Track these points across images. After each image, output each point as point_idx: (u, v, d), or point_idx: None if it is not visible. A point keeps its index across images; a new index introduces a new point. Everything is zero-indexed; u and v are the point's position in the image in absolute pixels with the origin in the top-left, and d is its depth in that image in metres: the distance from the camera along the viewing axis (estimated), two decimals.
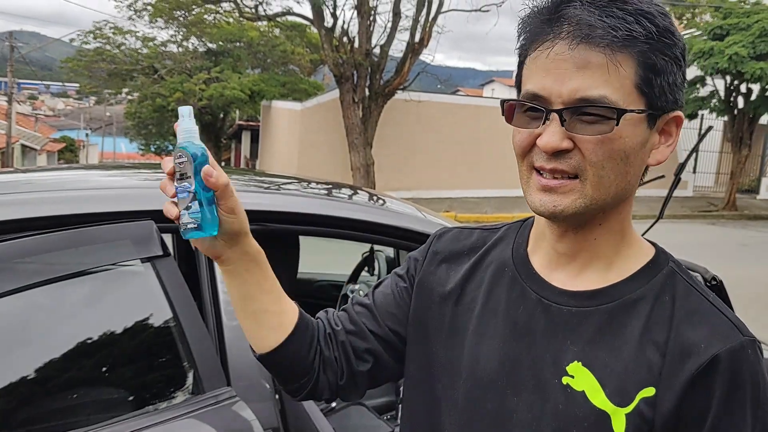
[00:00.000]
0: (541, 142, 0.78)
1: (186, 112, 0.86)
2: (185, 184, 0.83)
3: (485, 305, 0.91)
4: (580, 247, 0.85)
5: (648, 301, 0.82)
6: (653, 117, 0.79)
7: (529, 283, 0.88)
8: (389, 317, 0.99)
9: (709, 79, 14.94)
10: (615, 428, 0.78)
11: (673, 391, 0.76)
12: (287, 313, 0.95)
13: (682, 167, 2.26)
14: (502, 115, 0.86)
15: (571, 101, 0.76)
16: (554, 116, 0.77)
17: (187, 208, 0.84)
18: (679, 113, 0.81)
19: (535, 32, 0.79)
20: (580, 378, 0.80)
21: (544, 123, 0.78)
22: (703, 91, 15.49)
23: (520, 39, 0.83)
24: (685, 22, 16.77)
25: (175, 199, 0.85)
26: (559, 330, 0.83)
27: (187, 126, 0.85)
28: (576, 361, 0.81)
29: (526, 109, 0.80)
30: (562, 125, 0.76)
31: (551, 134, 0.77)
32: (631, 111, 0.76)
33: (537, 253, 0.91)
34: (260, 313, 0.94)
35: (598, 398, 0.79)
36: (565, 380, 0.81)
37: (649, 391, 0.77)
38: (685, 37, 15.07)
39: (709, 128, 2.05)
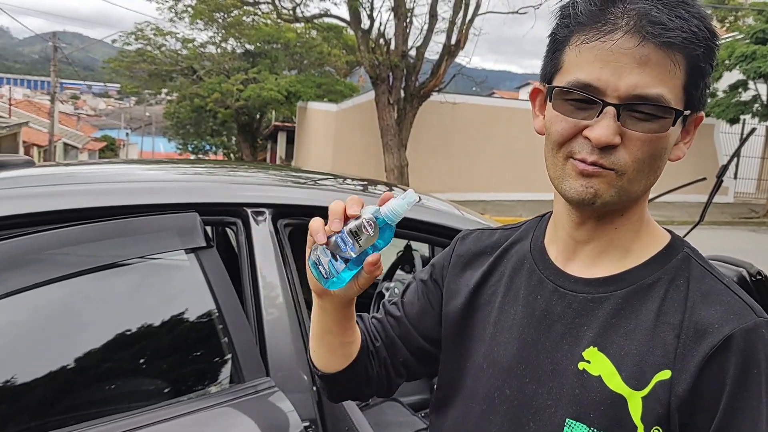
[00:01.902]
0: (593, 135, 0.77)
1: (411, 199, 0.80)
2: (351, 242, 0.80)
3: (505, 296, 0.93)
4: (599, 235, 0.86)
5: (662, 285, 0.82)
6: (686, 117, 0.81)
7: (546, 273, 0.90)
8: (421, 325, 1.02)
9: (751, 84, 14.58)
10: (631, 411, 0.78)
11: (688, 372, 0.76)
12: (356, 342, 0.99)
13: (724, 170, 2.22)
14: (537, 101, 0.87)
15: (628, 97, 0.75)
16: (610, 110, 0.76)
17: (334, 256, 0.81)
18: (702, 114, 0.83)
19: (588, 18, 0.78)
20: (596, 363, 0.81)
21: (598, 115, 0.77)
22: (746, 96, 15.13)
23: (564, 21, 0.81)
24: (728, 25, 16.39)
25: (329, 234, 0.82)
26: (575, 316, 0.85)
27: (399, 210, 0.80)
28: (592, 347, 0.82)
29: (573, 98, 0.78)
30: (617, 119, 0.76)
31: (605, 128, 0.76)
32: (683, 112, 0.78)
33: (553, 243, 0.92)
34: (336, 345, 0.98)
35: (614, 382, 0.79)
36: (581, 365, 0.82)
37: (665, 374, 0.77)
38: (728, 40, 14.81)
39: (753, 130, 2.01)
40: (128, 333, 1.51)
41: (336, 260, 0.81)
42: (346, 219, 0.82)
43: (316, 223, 0.83)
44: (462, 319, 0.96)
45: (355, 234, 0.80)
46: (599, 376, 0.80)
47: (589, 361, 0.81)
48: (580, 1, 0.79)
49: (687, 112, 0.80)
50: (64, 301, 1.48)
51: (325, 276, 0.82)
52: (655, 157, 0.79)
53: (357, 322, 1.01)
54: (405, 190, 0.84)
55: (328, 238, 0.81)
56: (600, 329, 0.82)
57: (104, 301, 1.56)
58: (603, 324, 0.82)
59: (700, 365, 0.76)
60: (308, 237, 0.84)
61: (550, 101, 0.82)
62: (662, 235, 0.88)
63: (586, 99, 0.77)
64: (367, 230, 0.80)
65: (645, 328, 0.80)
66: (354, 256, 0.81)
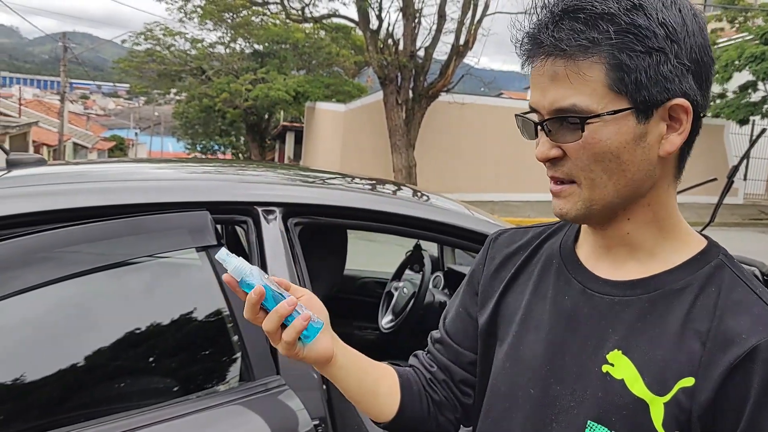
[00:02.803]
0: (535, 153, 0.84)
1: (221, 257, 0.89)
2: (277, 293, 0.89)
3: (533, 295, 0.93)
4: (615, 241, 0.87)
5: (692, 291, 0.81)
6: (642, 111, 0.78)
7: (573, 274, 0.90)
8: (466, 340, 1.02)
9: (761, 84, 14.50)
10: (653, 417, 0.78)
11: (712, 380, 0.76)
12: (388, 375, 1.01)
13: (735, 170, 2.20)
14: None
15: (551, 112, 0.80)
16: (540, 128, 0.82)
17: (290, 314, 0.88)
18: (680, 101, 0.78)
19: (526, 49, 0.83)
20: (620, 366, 0.81)
21: (536, 134, 0.84)
22: (755, 96, 15.05)
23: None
24: (737, 25, 16.29)
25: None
26: (601, 318, 0.84)
27: (239, 267, 0.88)
28: (616, 350, 0.82)
29: (525, 121, 0.86)
30: (548, 135, 0.81)
31: (541, 144, 0.83)
32: (598, 115, 0.77)
33: (584, 244, 0.92)
34: (370, 385, 0.99)
35: (637, 386, 0.79)
36: (605, 368, 0.82)
37: (688, 381, 0.77)
38: (738, 41, 14.72)
39: (763, 131, 2.00)
40: (139, 331, 1.52)
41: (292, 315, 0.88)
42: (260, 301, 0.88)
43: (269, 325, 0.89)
44: (492, 318, 0.97)
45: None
46: (622, 379, 0.80)
47: (612, 364, 0.81)
48: (526, 38, 0.83)
49: (623, 110, 0.77)
50: (75, 298, 1.49)
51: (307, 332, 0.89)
52: (602, 161, 0.79)
53: (411, 362, 1.07)
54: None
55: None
56: (625, 332, 0.82)
57: (115, 299, 1.56)
58: (628, 327, 0.82)
59: (724, 375, 0.75)
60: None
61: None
62: (696, 241, 0.87)
63: (527, 120, 0.85)
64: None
65: (671, 334, 0.79)
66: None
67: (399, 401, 0.99)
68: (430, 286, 2.80)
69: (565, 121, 0.79)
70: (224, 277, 0.88)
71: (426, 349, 1.08)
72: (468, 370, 1.02)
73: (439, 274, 3.01)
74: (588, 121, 0.77)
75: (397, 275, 3.06)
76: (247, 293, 0.87)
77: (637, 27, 0.76)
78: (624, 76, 0.76)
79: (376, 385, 0.98)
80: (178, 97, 28.02)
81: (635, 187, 0.81)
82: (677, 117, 0.80)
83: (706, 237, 0.89)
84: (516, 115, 0.87)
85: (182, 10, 20.43)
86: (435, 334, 1.08)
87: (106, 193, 1.58)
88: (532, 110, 0.84)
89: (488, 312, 0.98)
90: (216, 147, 31.03)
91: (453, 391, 1.03)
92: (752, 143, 2.15)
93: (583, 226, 0.93)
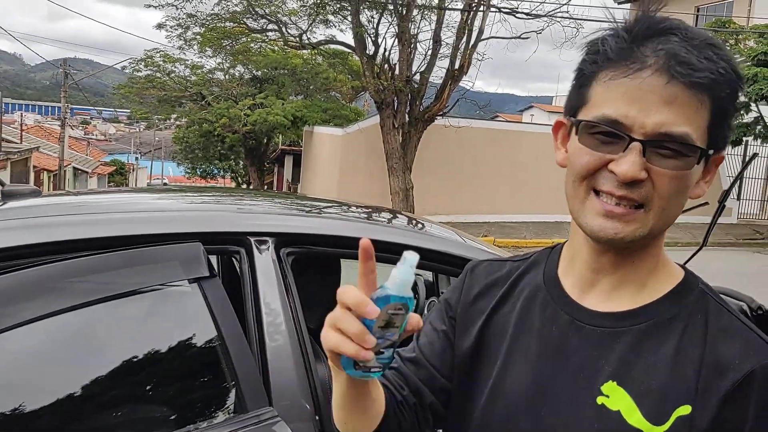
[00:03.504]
0: (619, 170, 0.78)
1: (411, 261, 0.75)
2: (390, 332, 0.75)
3: (518, 327, 0.92)
4: (616, 268, 0.87)
5: (681, 321, 0.83)
6: (708, 156, 0.81)
7: (560, 305, 0.90)
8: (441, 365, 0.98)
9: (753, 105, 14.60)
10: None
11: (709, 407, 0.76)
12: (382, 396, 0.92)
13: (726, 194, 2.22)
14: (560, 134, 0.88)
15: (654, 134, 0.77)
16: (636, 145, 0.77)
17: (379, 353, 0.76)
18: (723, 154, 0.84)
19: (618, 56, 0.79)
20: (616, 397, 0.81)
21: (624, 150, 0.78)
22: (748, 118, 15.15)
23: (592, 57, 0.82)
24: (729, 48, 16.46)
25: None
26: (593, 350, 0.84)
27: (407, 277, 0.75)
28: (611, 381, 0.82)
29: (599, 131, 0.80)
30: (643, 155, 0.77)
31: (631, 163, 0.77)
32: (708, 151, 0.79)
33: (568, 275, 0.92)
34: (368, 405, 0.89)
35: (634, 417, 0.79)
36: (600, 400, 0.81)
37: (686, 409, 0.77)
38: None
39: (754, 155, 2.02)
40: (131, 363, 1.52)
41: (384, 353, 0.76)
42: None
43: (346, 345, 0.73)
44: (473, 350, 0.95)
45: (387, 326, 0.75)
46: (618, 411, 0.80)
47: (608, 396, 0.81)
48: (610, 38, 0.81)
49: (711, 152, 0.80)
50: (67, 331, 1.49)
51: (380, 369, 0.77)
52: (680, 194, 0.80)
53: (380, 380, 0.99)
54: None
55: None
56: (619, 363, 0.82)
57: (108, 332, 1.57)
58: (622, 358, 0.82)
59: (721, 401, 0.76)
60: (332, 353, 0.75)
61: (576, 134, 0.83)
62: (676, 270, 0.88)
63: (612, 133, 0.78)
64: (397, 315, 0.74)
65: (665, 363, 0.80)
66: (397, 338, 0.76)
67: (379, 421, 0.91)
68: (425, 311, 2.80)
69: (666, 148, 0.77)
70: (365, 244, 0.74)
71: (394, 367, 0.99)
72: (438, 396, 0.97)
73: (434, 299, 3.01)
74: (708, 155, 0.79)
75: None
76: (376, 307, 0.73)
77: (741, 80, 0.80)
78: (723, 122, 0.80)
79: (373, 405, 0.90)
80: (178, 122, 28.13)
81: (672, 222, 0.84)
82: (709, 167, 0.84)
83: (681, 265, 0.91)
84: (591, 123, 0.80)
85: (182, 38, 20.61)
86: (406, 353, 1.01)
87: (99, 225, 1.60)
88: (612, 123, 0.78)
89: (469, 342, 0.96)
90: (215, 171, 31.09)
91: (419, 417, 0.97)
92: (743, 167, 2.17)
93: (568, 254, 0.92)
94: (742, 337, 0.80)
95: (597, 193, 0.81)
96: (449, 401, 0.98)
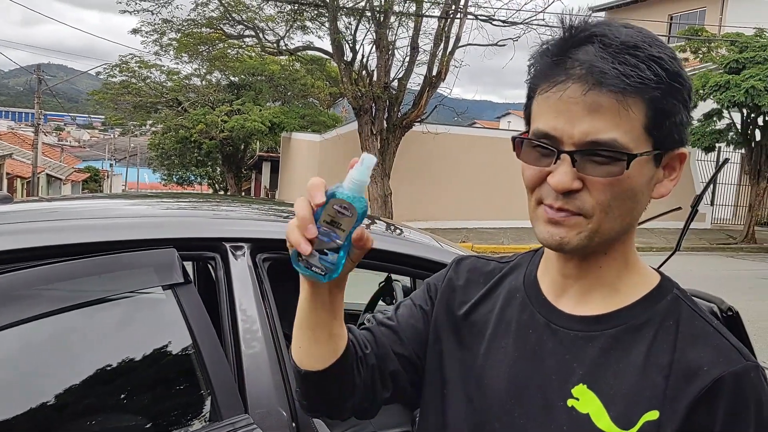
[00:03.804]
0: (552, 181, 0.79)
1: (369, 162, 0.78)
2: (334, 233, 0.77)
3: (496, 328, 0.93)
4: (585, 273, 0.87)
5: (652, 326, 0.83)
6: (659, 156, 0.82)
7: (537, 308, 0.90)
8: (414, 338, 0.99)
9: (725, 112, 14.89)
10: None
11: (677, 413, 0.77)
12: (343, 338, 0.92)
13: (698, 199, 2.25)
14: (513, 149, 0.88)
15: (582, 143, 0.78)
16: (565, 157, 0.78)
17: (323, 253, 0.78)
18: (684, 151, 0.84)
19: (546, 71, 0.81)
20: (585, 400, 0.81)
21: (555, 162, 0.79)
22: (720, 124, 15.44)
23: (530, 74, 0.85)
24: (701, 56, 16.79)
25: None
26: (566, 353, 0.85)
27: (362, 178, 0.78)
28: (581, 384, 0.82)
29: (536, 145, 0.82)
30: (573, 166, 0.78)
31: (562, 174, 0.78)
32: (641, 154, 0.79)
33: (545, 278, 0.93)
34: (326, 337, 0.90)
35: (603, 421, 0.79)
36: (570, 402, 0.82)
37: (653, 414, 0.78)
38: (701, 71, 15.14)
39: (726, 161, 2.05)
40: (104, 371, 1.50)
41: (326, 254, 0.78)
42: (312, 212, 0.79)
43: (293, 233, 0.78)
44: (449, 346, 0.96)
45: (332, 223, 0.77)
46: (588, 414, 0.80)
47: (578, 399, 0.82)
48: (540, 54, 0.83)
49: (651, 153, 0.80)
50: (39, 339, 1.47)
51: (323, 273, 0.79)
52: (623, 199, 0.80)
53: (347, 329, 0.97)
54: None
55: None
56: (590, 367, 0.83)
57: (80, 339, 1.54)
58: (593, 362, 0.83)
59: (688, 407, 0.76)
60: (288, 245, 0.80)
61: (516, 149, 0.85)
62: (651, 275, 0.89)
63: (545, 146, 0.81)
64: (343, 213, 0.77)
65: (634, 368, 0.80)
66: (342, 243, 0.78)
67: (335, 359, 0.90)
68: None
69: (596, 155, 0.78)
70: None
71: (363, 327, 1.01)
72: (403, 366, 0.97)
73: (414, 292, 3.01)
74: (635, 158, 0.78)
75: (370, 307, 3.05)
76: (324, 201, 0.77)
77: (679, 77, 0.80)
78: (662, 121, 0.79)
79: (330, 338, 0.90)
80: (153, 129, 27.92)
81: (630, 225, 0.84)
82: (673, 164, 0.84)
83: (658, 270, 0.91)
84: (519, 138, 0.83)
85: (158, 43, 20.47)
86: (381, 317, 1.01)
87: (72, 231, 1.57)
88: (544, 136, 0.80)
89: (444, 336, 0.96)
90: (192, 178, 30.85)
91: (375, 380, 0.95)
92: (715, 172, 2.21)
93: (545, 258, 0.94)
94: (713, 343, 0.80)
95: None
96: (417, 382, 0.98)
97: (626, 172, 0.78)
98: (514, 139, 0.85)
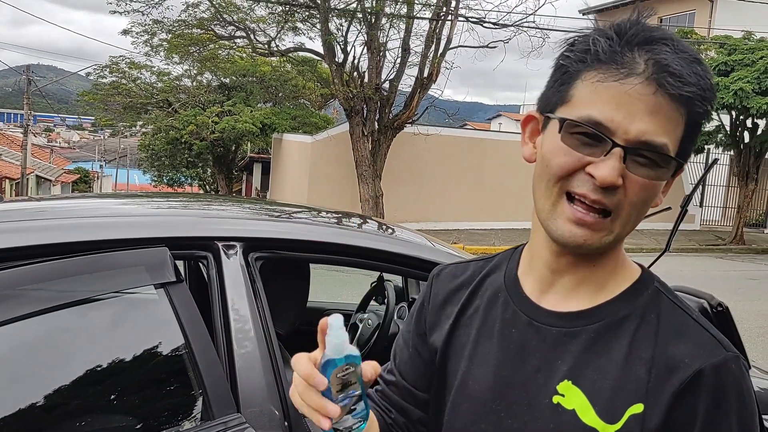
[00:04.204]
0: (599, 173, 0.77)
1: (338, 323, 0.78)
2: (350, 390, 0.79)
3: (480, 329, 0.93)
4: (576, 269, 0.87)
5: (634, 320, 0.84)
6: (678, 168, 0.83)
7: (520, 306, 0.90)
8: (419, 381, 1.00)
9: (714, 114, 15.01)
10: None
11: (660, 406, 0.78)
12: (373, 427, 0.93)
13: (688, 199, 2.27)
14: (535, 126, 0.87)
15: (636, 142, 0.77)
16: (617, 151, 0.77)
17: (350, 411, 0.79)
18: (684, 167, 0.85)
19: (610, 58, 0.78)
20: (571, 396, 0.82)
21: (606, 155, 0.77)
22: (710, 126, 15.56)
23: (580, 55, 0.80)
24: None
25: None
26: (550, 350, 0.85)
27: (340, 339, 0.78)
28: (566, 380, 0.83)
29: (581, 132, 0.79)
30: (623, 162, 0.77)
31: (611, 168, 0.77)
32: (681, 164, 0.81)
33: (528, 276, 0.92)
34: None
35: (588, 416, 0.80)
36: (555, 399, 0.82)
37: (638, 408, 0.78)
38: None
39: (714, 161, 2.07)
40: (96, 370, 1.49)
41: (356, 409, 0.80)
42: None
43: (318, 421, 0.78)
44: (442, 355, 0.96)
45: (344, 386, 0.79)
46: (573, 409, 0.81)
47: (563, 395, 0.82)
48: (602, 39, 0.79)
49: (680, 164, 0.82)
50: (30, 338, 1.46)
51: (361, 421, 0.81)
52: (647, 203, 0.81)
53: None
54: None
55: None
56: (574, 363, 0.83)
57: (72, 338, 1.54)
58: (576, 358, 0.83)
59: (670, 400, 0.77)
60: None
61: (558, 132, 0.80)
62: (633, 270, 0.89)
63: (595, 136, 0.78)
64: (347, 374, 0.78)
65: (617, 363, 0.81)
66: (361, 392, 0.80)
67: None
68: (395, 317, 2.80)
69: (644, 156, 0.78)
70: (322, 323, 0.78)
71: (377, 389, 1.05)
72: (424, 409, 1.00)
73: (404, 304, 3.01)
74: (682, 166, 0.80)
75: (362, 307, 3.05)
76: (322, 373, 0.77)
77: (714, 101, 0.81)
78: (694, 137, 0.81)
79: None
80: (144, 130, 27.75)
81: (633, 230, 0.85)
82: (671, 179, 0.85)
83: (639, 264, 0.92)
84: (577, 123, 0.78)
85: (148, 44, 20.38)
86: (387, 375, 1.04)
87: (64, 230, 1.56)
88: (595, 125, 0.77)
89: (439, 348, 0.97)
90: (183, 179, 30.71)
91: None
92: (704, 173, 2.23)
93: (528, 254, 0.93)
94: (694, 335, 0.81)
95: (569, 197, 0.80)
96: None
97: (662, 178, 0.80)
98: (562, 120, 0.80)
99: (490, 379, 0.88)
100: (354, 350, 0.79)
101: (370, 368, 0.80)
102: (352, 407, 0.79)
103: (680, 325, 0.82)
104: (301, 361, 0.78)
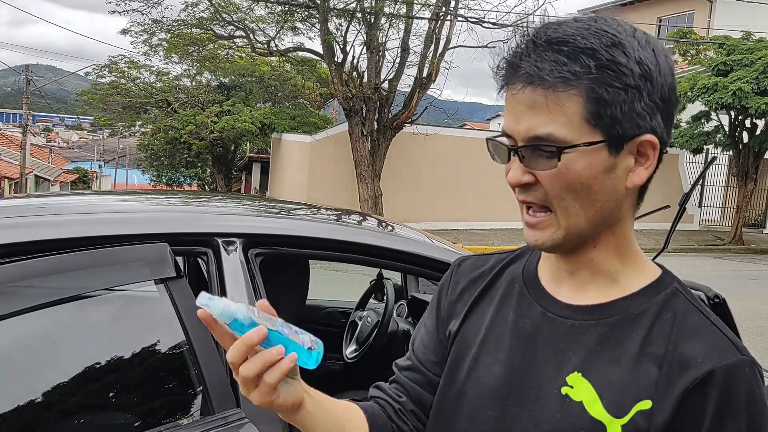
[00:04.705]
0: (508, 177, 0.84)
1: (204, 302, 0.77)
2: (276, 323, 0.81)
3: (494, 317, 0.94)
4: (579, 266, 0.88)
5: (649, 317, 0.84)
6: (614, 144, 0.81)
7: (535, 297, 0.92)
8: (437, 367, 0.99)
9: (713, 114, 15.02)
10: None
11: (669, 403, 0.78)
12: (353, 417, 0.94)
13: (686, 197, 2.27)
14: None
15: (526, 139, 0.81)
16: (513, 153, 0.83)
17: (294, 340, 0.81)
18: (649, 137, 0.82)
19: (503, 73, 0.85)
20: (579, 388, 0.82)
21: (509, 160, 0.85)
22: (708, 126, 15.57)
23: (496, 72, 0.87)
24: (689, 58, 16.92)
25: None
26: (561, 341, 0.86)
27: (219, 306, 0.77)
28: (576, 372, 0.83)
29: (497, 145, 0.87)
30: (521, 161, 0.82)
31: (514, 169, 0.84)
32: (575, 146, 0.79)
33: (546, 268, 0.94)
34: (339, 430, 0.91)
35: (595, 409, 0.80)
36: (564, 390, 0.83)
37: (646, 404, 0.79)
38: (690, 73, 15.25)
39: (713, 159, 2.08)
40: (97, 365, 1.50)
41: (296, 341, 0.81)
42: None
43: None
44: (454, 341, 0.97)
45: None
46: (581, 401, 0.81)
47: (572, 386, 0.82)
48: (503, 59, 0.85)
49: (593, 143, 0.79)
50: (32, 333, 1.46)
51: (310, 347, 0.82)
52: (574, 191, 0.81)
53: (374, 393, 1.01)
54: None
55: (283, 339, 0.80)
56: (585, 355, 0.84)
57: (73, 334, 1.54)
58: (588, 350, 0.84)
59: (680, 398, 0.77)
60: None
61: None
62: (652, 268, 0.90)
63: (500, 144, 0.86)
64: (259, 318, 0.79)
65: (629, 358, 0.81)
66: (282, 324, 0.81)
67: None
68: (394, 314, 2.81)
69: (539, 149, 0.80)
70: (200, 314, 0.77)
71: (391, 379, 1.04)
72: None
73: (403, 302, 3.02)
74: (564, 151, 0.79)
75: (361, 304, 3.06)
76: (238, 334, 0.77)
77: (617, 64, 0.79)
78: (601, 110, 0.79)
79: (341, 426, 0.91)
80: (143, 130, 27.73)
81: (604, 216, 0.84)
82: (645, 152, 0.83)
83: (660, 265, 0.92)
84: (487, 139, 0.87)
85: (147, 44, 20.36)
86: (402, 362, 1.04)
87: (64, 225, 1.57)
88: (505, 135, 0.84)
89: (453, 335, 0.98)
90: (182, 179, 30.71)
91: (422, 420, 0.99)
92: (703, 171, 2.24)
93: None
94: (708, 336, 0.81)
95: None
96: None
97: (566, 163, 0.79)
98: (487, 140, 0.89)
99: (500, 367, 0.89)
100: (245, 312, 0.78)
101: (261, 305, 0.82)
102: (296, 332, 0.81)
103: (696, 325, 0.82)
104: (230, 347, 0.78)
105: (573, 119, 0.79)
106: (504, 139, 0.85)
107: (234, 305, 0.77)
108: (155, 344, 1.58)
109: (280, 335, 0.79)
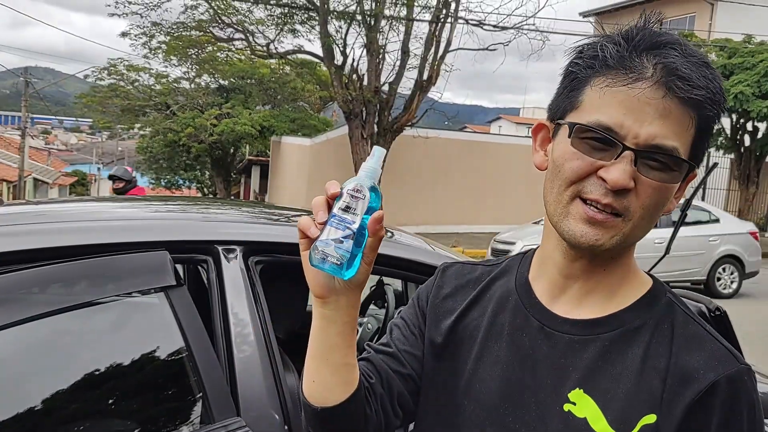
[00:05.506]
0: (609, 176, 0.77)
1: (379, 154, 0.82)
2: (347, 218, 0.78)
3: (488, 332, 0.92)
4: (589, 275, 0.87)
5: (648, 330, 0.84)
6: (689, 173, 0.83)
7: (531, 311, 0.90)
8: (411, 358, 0.97)
9: None
10: None
11: (674, 417, 0.78)
12: (356, 367, 0.90)
13: (688, 203, 2.27)
14: (546, 134, 0.88)
15: (646, 145, 0.77)
16: (628, 154, 0.77)
17: (338, 241, 0.77)
18: (695, 172, 0.84)
19: (618, 63, 0.79)
20: (582, 405, 0.81)
21: (616, 158, 0.78)
22: None
23: (589, 61, 0.81)
24: None
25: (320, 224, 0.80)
26: (561, 357, 0.85)
27: (374, 166, 0.81)
28: (577, 388, 0.82)
29: (592, 137, 0.79)
30: (634, 165, 0.78)
31: (622, 171, 0.77)
32: (691, 167, 0.81)
33: (540, 280, 0.92)
34: (340, 366, 0.87)
35: (600, 425, 0.80)
36: (566, 407, 0.82)
37: (651, 418, 0.78)
38: None
39: (714, 165, 2.08)
40: (97, 373, 1.49)
41: (342, 242, 0.78)
42: (330, 205, 0.81)
43: (305, 220, 0.81)
44: (442, 352, 0.95)
45: (347, 209, 0.79)
46: (585, 418, 0.81)
47: (574, 403, 0.82)
48: (610, 45, 0.80)
49: (692, 168, 0.82)
50: (32, 342, 1.46)
51: (339, 263, 0.78)
52: (659, 206, 0.81)
53: None
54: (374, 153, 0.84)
55: (324, 227, 0.79)
56: (586, 371, 0.83)
57: (72, 342, 1.53)
58: (589, 366, 0.83)
59: (685, 410, 0.77)
60: (300, 240, 0.81)
61: (568, 137, 0.81)
62: (645, 280, 0.89)
63: (606, 140, 0.78)
64: (356, 197, 0.79)
65: (631, 372, 0.81)
66: (357, 226, 0.78)
67: (350, 393, 0.88)
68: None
69: (655, 160, 0.78)
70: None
71: (361, 357, 0.98)
72: (407, 388, 0.96)
73: (403, 309, 3.01)
74: (681, 168, 0.80)
75: (361, 311, 3.05)
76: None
77: (725, 105, 0.81)
78: (705, 141, 0.82)
79: (344, 368, 0.87)
80: (142, 132, 27.74)
81: (647, 234, 0.85)
82: (683, 184, 0.85)
83: (649, 274, 0.92)
84: (587, 127, 0.79)
85: (147, 46, 20.37)
86: (380, 347, 0.99)
87: (63, 233, 1.56)
88: (605, 130, 0.78)
89: (439, 340, 0.96)
90: (181, 182, 30.71)
91: (386, 408, 0.94)
92: (705, 176, 2.24)
93: (540, 258, 0.93)
94: (708, 347, 0.81)
95: (583, 199, 0.81)
96: (418, 398, 0.97)
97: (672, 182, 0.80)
98: (572, 125, 0.81)
99: (497, 383, 0.88)
100: (378, 188, 0.81)
101: (377, 214, 0.81)
102: (341, 238, 0.78)
103: (694, 336, 0.83)
104: (316, 197, 0.82)
105: (689, 140, 0.80)
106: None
107: (375, 186, 0.82)
108: (156, 353, 1.57)
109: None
